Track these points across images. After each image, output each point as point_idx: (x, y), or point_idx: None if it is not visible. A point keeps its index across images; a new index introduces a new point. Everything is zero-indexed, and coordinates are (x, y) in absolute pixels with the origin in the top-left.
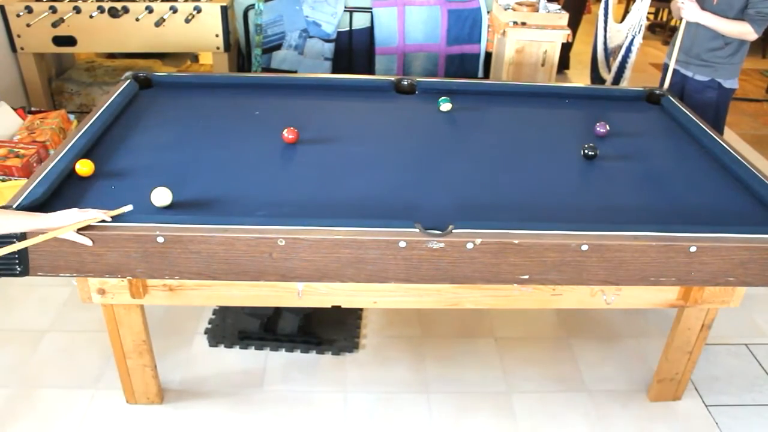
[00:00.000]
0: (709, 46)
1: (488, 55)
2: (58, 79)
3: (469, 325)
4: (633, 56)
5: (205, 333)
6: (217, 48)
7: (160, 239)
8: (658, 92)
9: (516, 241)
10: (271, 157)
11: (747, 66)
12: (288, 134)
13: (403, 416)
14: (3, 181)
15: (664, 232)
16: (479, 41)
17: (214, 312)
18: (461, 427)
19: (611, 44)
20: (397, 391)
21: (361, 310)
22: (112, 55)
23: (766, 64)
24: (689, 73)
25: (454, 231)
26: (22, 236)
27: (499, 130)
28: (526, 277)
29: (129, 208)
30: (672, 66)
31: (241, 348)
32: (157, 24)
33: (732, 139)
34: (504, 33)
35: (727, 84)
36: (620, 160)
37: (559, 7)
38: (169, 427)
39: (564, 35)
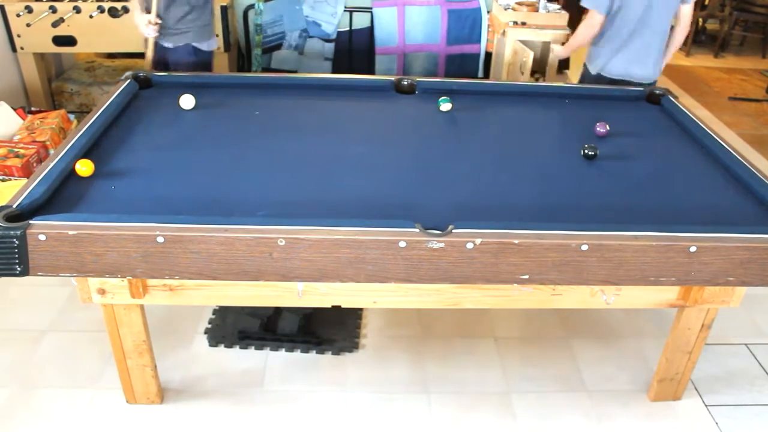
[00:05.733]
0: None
1: (488, 55)
2: (58, 79)
3: (469, 325)
4: None
5: (205, 333)
6: (217, 48)
7: (160, 239)
8: (658, 92)
9: (516, 241)
10: (271, 156)
11: (747, 66)
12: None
13: (403, 416)
14: (3, 181)
15: (664, 232)
16: (479, 41)
17: (214, 312)
18: (461, 427)
19: None
20: (397, 391)
21: (361, 310)
22: (112, 55)
23: (766, 64)
24: (169, 45)
25: (454, 231)
26: (23, 237)
27: (499, 130)
28: (526, 277)
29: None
30: None
31: (241, 348)
32: None
33: (732, 139)
34: (504, 33)
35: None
36: (620, 160)
37: (559, 7)
38: (169, 427)
39: (564, 35)
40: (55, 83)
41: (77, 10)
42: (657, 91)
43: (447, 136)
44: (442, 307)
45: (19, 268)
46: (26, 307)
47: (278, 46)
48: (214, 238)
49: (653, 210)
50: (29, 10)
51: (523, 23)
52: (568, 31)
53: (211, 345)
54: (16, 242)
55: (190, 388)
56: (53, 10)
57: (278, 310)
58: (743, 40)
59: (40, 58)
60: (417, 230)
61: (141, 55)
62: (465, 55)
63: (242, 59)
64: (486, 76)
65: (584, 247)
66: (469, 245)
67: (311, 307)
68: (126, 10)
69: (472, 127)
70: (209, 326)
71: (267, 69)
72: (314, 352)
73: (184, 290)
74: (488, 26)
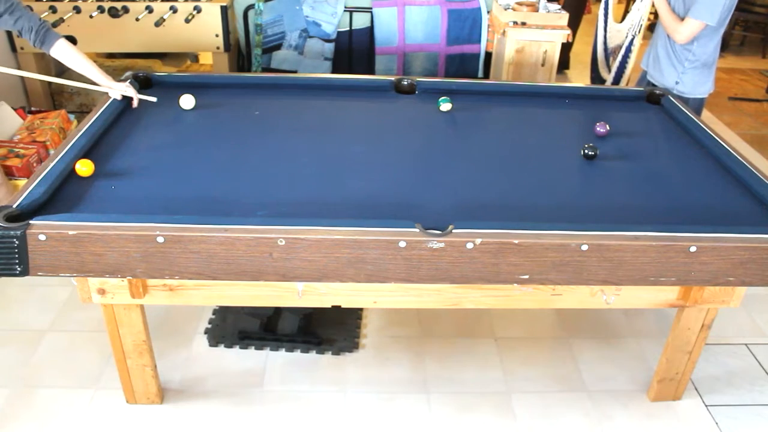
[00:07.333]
0: None
1: (488, 55)
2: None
3: (469, 325)
4: (633, 56)
5: (205, 333)
6: (217, 48)
7: (160, 239)
8: (658, 92)
9: (516, 241)
10: (271, 156)
11: (747, 66)
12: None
13: (403, 416)
14: None
15: (664, 232)
16: (479, 41)
17: (214, 312)
18: (461, 427)
19: (611, 44)
20: (397, 390)
21: (361, 310)
22: (112, 55)
23: (766, 64)
24: None
25: (454, 231)
26: (23, 237)
27: (499, 130)
28: (526, 277)
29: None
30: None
31: (241, 348)
32: (157, 24)
33: (732, 139)
34: (504, 33)
35: None
36: (620, 160)
37: (559, 7)
38: (169, 427)
39: (564, 35)
40: (55, 83)
41: (77, 10)
42: (657, 91)
43: (447, 136)
44: (442, 307)
45: (19, 268)
46: (26, 307)
47: (278, 46)
48: (214, 238)
49: (653, 210)
50: (29, 10)
51: (523, 23)
52: (568, 32)
53: (211, 345)
54: (16, 242)
55: (190, 388)
56: (53, 10)
57: (278, 310)
58: (743, 40)
59: (41, 58)
60: (417, 230)
61: (141, 55)
62: (465, 55)
63: (242, 59)
64: (486, 76)
65: (584, 247)
66: (469, 245)
67: (311, 307)
68: (126, 9)
69: (472, 127)
70: (209, 326)
71: (267, 69)
72: (314, 352)
73: (184, 290)
74: (488, 26)
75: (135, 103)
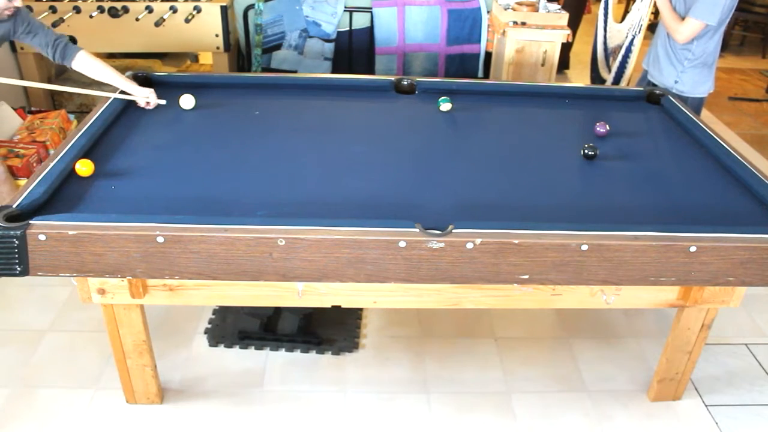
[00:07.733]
0: None
1: (488, 55)
2: (58, 79)
3: (469, 325)
4: (633, 56)
5: (205, 333)
6: (217, 48)
7: (160, 239)
8: (658, 92)
9: (516, 241)
10: (271, 156)
11: (747, 66)
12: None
13: (403, 416)
14: None
15: (664, 232)
16: (479, 41)
17: (214, 312)
18: (461, 427)
19: (611, 44)
20: (397, 390)
21: (361, 310)
22: (112, 55)
23: (766, 64)
24: None
25: (454, 231)
26: (23, 237)
27: (499, 130)
28: (526, 277)
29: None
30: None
31: (241, 348)
32: (157, 24)
33: (732, 139)
34: (504, 33)
35: None
36: (620, 160)
37: (559, 7)
38: (169, 427)
39: (564, 35)
40: (55, 83)
41: (77, 10)
42: (657, 91)
43: (447, 136)
44: (442, 307)
45: (19, 268)
46: (26, 307)
47: (278, 46)
48: (214, 238)
49: (653, 210)
50: (29, 10)
51: (523, 23)
52: (568, 32)
53: (211, 345)
54: (16, 242)
55: (190, 388)
56: (53, 10)
57: (278, 310)
58: (743, 40)
59: (40, 58)
60: (417, 230)
61: (141, 55)
62: (465, 55)
63: (242, 59)
64: (486, 76)
65: (584, 247)
66: (469, 245)
67: (311, 307)
68: (126, 9)
69: (472, 127)
70: (209, 326)
71: (267, 69)
72: (314, 352)
73: (184, 290)
74: (488, 26)
75: (152, 105)
